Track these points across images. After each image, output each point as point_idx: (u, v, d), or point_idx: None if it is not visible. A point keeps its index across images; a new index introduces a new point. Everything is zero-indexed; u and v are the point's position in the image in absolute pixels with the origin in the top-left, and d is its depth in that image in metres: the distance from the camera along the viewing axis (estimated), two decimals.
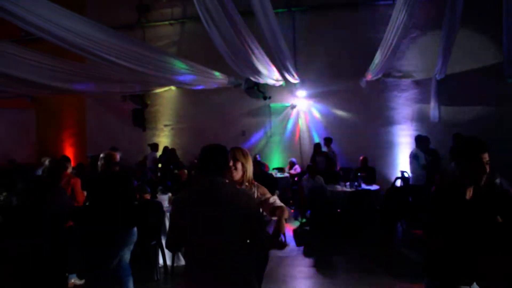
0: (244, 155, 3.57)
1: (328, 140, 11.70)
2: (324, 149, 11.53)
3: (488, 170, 2.79)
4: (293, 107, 12.67)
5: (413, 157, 8.99)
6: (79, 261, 5.96)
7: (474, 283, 2.84)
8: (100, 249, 5.06)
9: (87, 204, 5.72)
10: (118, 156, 5.18)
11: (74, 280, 5.95)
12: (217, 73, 11.11)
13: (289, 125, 12.77)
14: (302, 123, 12.64)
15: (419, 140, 9.22)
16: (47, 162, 5.75)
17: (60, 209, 5.27)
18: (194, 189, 2.87)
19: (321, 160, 11.13)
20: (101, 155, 5.10)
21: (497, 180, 5.86)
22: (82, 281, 6.00)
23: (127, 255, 5.02)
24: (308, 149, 12.40)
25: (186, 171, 9.46)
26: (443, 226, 2.79)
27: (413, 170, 9.08)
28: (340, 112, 12.16)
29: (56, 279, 5.53)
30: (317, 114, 12.47)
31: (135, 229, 5.08)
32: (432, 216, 2.87)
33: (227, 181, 2.92)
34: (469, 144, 2.87)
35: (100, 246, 5.04)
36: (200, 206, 2.73)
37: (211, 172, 2.83)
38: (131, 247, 5.06)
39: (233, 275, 2.72)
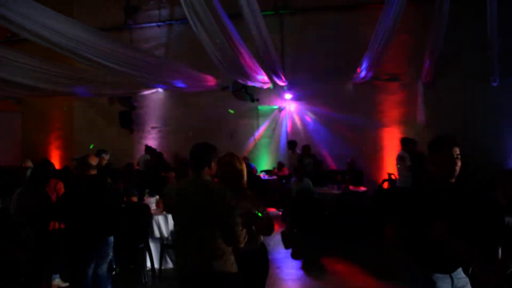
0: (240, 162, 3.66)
1: (292, 144, 11.63)
2: (289, 153, 11.53)
3: (459, 164, 2.84)
4: (281, 109, 12.68)
5: (400, 159, 9.03)
6: (62, 263, 5.88)
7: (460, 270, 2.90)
8: (75, 254, 4.93)
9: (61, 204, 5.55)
10: (95, 159, 5.06)
11: (57, 281, 5.88)
12: (205, 75, 11.11)
13: (277, 128, 12.77)
14: (290, 125, 12.65)
15: (405, 142, 9.26)
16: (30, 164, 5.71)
17: (42, 212, 5.19)
18: (180, 181, 3.57)
19: (309, 162, 11.15)
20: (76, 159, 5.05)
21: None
22: (66, 284, 5.94)
23: (103, 265, 4.86)
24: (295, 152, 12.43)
25: (174, 173, 9.42)
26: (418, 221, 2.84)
27: (399, 172, 9.11)
28: (328, 115, 12.19)
29: (39, 280, 5.45)
30: (305, 117, 12.49)
31: (111, 239, 4.90)
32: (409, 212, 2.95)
33: (207, 176, 3.33)
34: (439, 139, 2.93)
35: (75, 251, 4.91)
36: (180, 195, 3.32)
37: (194, 167, 3.31)
38: (107, 256, 4.89)
39: (203, 256, 3.21)
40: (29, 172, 7.91)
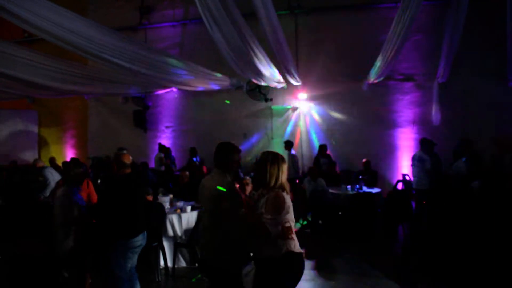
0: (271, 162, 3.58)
1: (287, 144, 11.44)
2: (285, 153, 11.36)
3: None
4: (294, 109, 12.65)
5: (418, 160, 8.91)
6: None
7: None
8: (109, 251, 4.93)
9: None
10: (129, 158, 5.05)
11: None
12: (219, 75, 11.12)
13: (290, 127, 12.74)
14: (303, 125, 12.62)
15: (425, 143, 9.15)
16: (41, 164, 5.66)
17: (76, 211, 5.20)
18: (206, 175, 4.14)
19: (325, 162, 11.11)
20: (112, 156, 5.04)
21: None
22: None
23: (135, 261, 4.92)
24: (309, 151, 12.40)
25: (187, 173, 9.45)
26: None
27: (416, 173, 8.98)
28: (341, 115, 12.14)
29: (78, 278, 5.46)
30: (318, 117, 12.45)
31: (144, 233, 4.95)
32: None
33: (227, 174, 3.70)
34: None
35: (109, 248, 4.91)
36: (201, 188, 3.87)
37: (215, 164, 3.79)
38: (137, 250, 4.91)
39: (211, 239, 3.68)
40: (47, 172, 7.99)
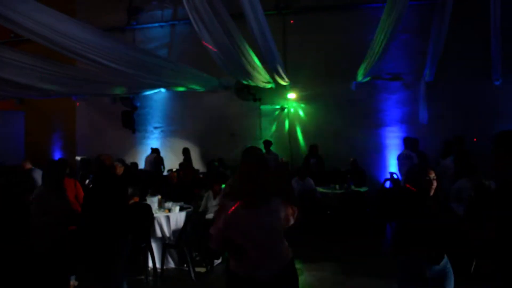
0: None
1: (266, 144, 11.55)
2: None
3: None
4: (283, 109, 12.68)
5: (406, 158, 8.99)
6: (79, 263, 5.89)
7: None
8: (98, 253, 4.94)
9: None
10: (110, 159, 5.08)
11: (73, 282, 5.91)
12: (206, 75, 11.11)
13: (279, 127, 12.78)
14: (292, 125, 12.65)
15: (408, 141, 9.24)
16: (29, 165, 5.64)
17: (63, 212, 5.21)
18: None
19: (314, 162, 11.15)
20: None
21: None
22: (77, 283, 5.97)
23: (121, 263, 4.94)
24: (297, 151, 12.43)
25: (175, 174, 9.45)
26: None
27: (404, 172, 9.05)
28: (329, 114, 12.19)
29: (58, 280, 5.45)
30: (306, 116, 12.49)
31: (129, 239, 4.99)
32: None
33: None
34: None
35: (98, 250, 4.92)
36: None
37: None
38: (125, 254, 4.95)
39: None
40: (35, 173, 7.96)
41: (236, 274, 3.17)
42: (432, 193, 3.43)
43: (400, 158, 9.19)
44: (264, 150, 11.18)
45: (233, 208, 3.09)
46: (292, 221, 3.20)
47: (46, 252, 5.02)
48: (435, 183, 3.44)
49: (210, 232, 3.23)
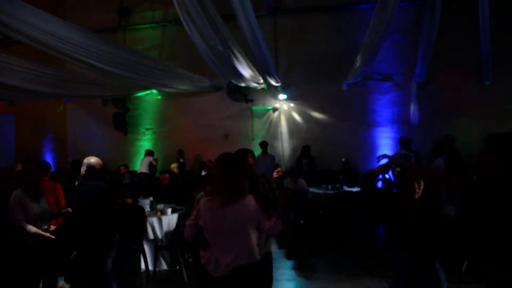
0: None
1: (263, 145, 11.51)
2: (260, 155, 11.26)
3: None
4: (275, 110, 12.69)
5: (404, 157, 9.03)
6: (67, 265, 5.87)
7: None
8: (83, 253, 4.95)
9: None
10: (99, 162, 5.07)
11: (62, 283, 5.88)
12: (198, 76, 11.10)
13: (271, 128, 12.78)
14: (284, 125, 12.67)
15: (404, 141, 9.31)
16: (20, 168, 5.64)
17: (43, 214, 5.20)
18: None
19: (306, 163, 11.17)
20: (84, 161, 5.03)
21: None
22: (69, 285, 5.94)
23: (109, 261, 4.93)
24: (289, 152, 12.45)
25: (167, 175, 9.42)
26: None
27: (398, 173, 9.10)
28: (321, 115, 12.22)
29: (45, 282, 5.43)
30: (299, 117, 12.50)
31: (117, 235, 4.99)
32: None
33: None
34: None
35: (83, 251, 4.94)
36: None
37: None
38: (113, 253, 4.96)
39: None
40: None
41: (203, 266, 3.33)
42: (416, 197, 3.44)
43: (396, 157, 9.21)
44: (261, 150, 11.27)
45: (204, 201, 3.32)
46: (267, 228, 3.21)
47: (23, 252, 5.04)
48: (418, 191, 3.44)
49: (185, 223, 3.44)
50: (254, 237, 3.23)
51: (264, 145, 11.48)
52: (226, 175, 3.24)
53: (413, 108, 11.06)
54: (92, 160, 5.02)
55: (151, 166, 12.42)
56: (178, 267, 6.65)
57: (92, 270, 4.85)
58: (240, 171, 3.30)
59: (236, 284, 3.18)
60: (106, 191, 4.94)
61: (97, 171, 4.96)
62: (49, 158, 14.65)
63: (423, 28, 9.34)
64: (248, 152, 3.80)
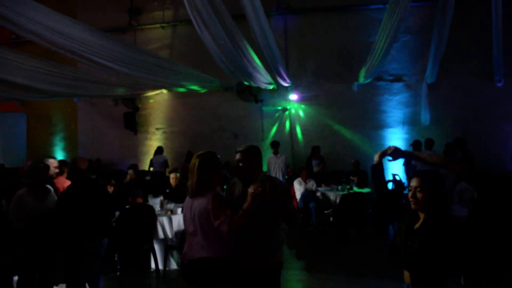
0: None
1: (273, 145, 11.36)
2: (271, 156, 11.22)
3: None
4: (284, 110, 12.67)
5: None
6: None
7: None
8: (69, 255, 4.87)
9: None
10: (85, 162, 5.03)
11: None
12: (208, 76, 11.10)
13: (281, 128, 12.76)
14: (294, 126, 12.64)
15: (418, 144, 9.34)
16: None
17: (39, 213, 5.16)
18: None
19: (316, 163, 11.13)
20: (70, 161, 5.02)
21: None
22: None
23: (94, 266, 4.90)
24: (299, 152, 12.41)
25: (176, 175, 9.41)
26: None
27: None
28: (332, 116, 12.17)
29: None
30: (308, 117, 12.47)
31: (105, 240, 4.92)
32: None
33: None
34: None
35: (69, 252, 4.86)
36: None
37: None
38: (99, 258, 4.91)
39: None
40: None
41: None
42: (413, 207, 2.96)
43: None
44: (272, 151, 11.19)
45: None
46: (215, 227, 3.23)
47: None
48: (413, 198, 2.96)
49: None
50: (213, 232, 3.26)
51: (275, 145, 11.34)
52: (197, 169, 3.38)
53: (424, 109, 10.98)
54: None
55: (166, 164, 12.42)
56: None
57: (72, 274, 4.80)
58: (210, 167, 3.41)
59: (192, 274, 3.37)
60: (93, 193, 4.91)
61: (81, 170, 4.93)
62: (60, 157, 14.73)
63: (434, 29, 9.27)
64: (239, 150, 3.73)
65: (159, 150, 12.82)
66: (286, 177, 11.09)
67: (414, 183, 2.88)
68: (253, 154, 3.63)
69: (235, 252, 3.34)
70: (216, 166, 3.49)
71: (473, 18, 10.27)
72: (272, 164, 10.98)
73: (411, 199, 2.88)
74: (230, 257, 3.31)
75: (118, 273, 6.27)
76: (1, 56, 7.99)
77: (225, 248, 3.29)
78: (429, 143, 9.88)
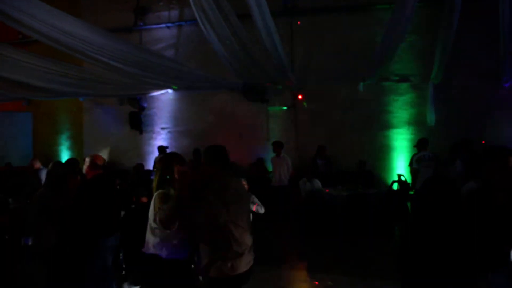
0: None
1: (275, 145, 10.93)
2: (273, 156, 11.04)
3: None
4: (290, 110, 12.65)
5: (432, 159, 9.02)
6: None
7: None
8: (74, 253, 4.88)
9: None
10: (101, 159, 5.06)
11: None
12: (213, 76, 11.10)
13: (287, 128, 12.75)
14: (299, 126, 12.62)
15: (427, 143, 9.35)
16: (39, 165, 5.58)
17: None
18: None
19: (322, 163, 11.11)
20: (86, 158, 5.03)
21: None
22: None
23: (108, 260, 4.91)
24: (304, 152, 12.39)
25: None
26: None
27: (425, 174, 8.99)
28: (337, 116, 12.14)
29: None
30: (314, 117, 12.44)
31: (111, 239, 4.92)
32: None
33: None
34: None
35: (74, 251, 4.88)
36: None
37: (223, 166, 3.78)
38: (106, 256, 4.91)
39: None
40: (43, 173, 8.00)
41: None
42: None
43: (424, 159, 9.12)
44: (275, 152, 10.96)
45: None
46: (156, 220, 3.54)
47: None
48: None
49: None
50: (149, 228, 3.77)
51: (276, 145, 10.91)
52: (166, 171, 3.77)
53: (429, 110, 10.94)
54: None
55: None
56: (192, 266, 6.64)
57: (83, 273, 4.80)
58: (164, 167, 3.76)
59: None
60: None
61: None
62: (65, 157, 14.79)
63: (440, 29, 9.23)
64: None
65: (161, 150, 12.85)
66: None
67: None
68: (205, 155, 3.83)
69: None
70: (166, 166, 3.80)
71: (480, 17, 10.21)
72: (275, 165, 10.82)
73: None
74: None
75: (123, 273, 6.28)
76: (8, 56, 8.05)
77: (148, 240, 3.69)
78: (424, 143, 9.69)
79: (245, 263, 3.48)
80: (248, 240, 3.59)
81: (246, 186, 6.66)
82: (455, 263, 2.63)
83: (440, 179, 2.89)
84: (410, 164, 9.49)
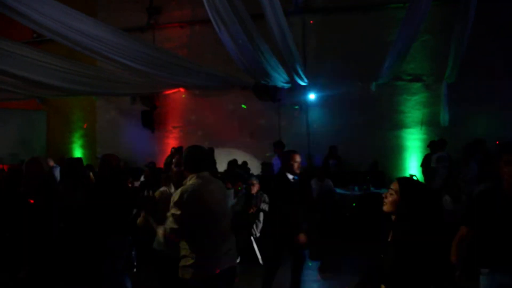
0: None
1: (277, 145, 10.46)
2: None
3: None
4: (302, 109, 12.62)
5: (448, 160, 8.98)
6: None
7: None
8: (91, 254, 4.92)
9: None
10: (116, 159, 5.07)
11: None
12: (225, 75, 11.11)
13: (298, 128, 12.72)
14: (311, 125, 12.59)
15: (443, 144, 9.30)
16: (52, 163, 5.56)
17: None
18: None
19: (333, 163, 11.06)
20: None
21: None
22: None
23: (116, 264, 4.90)
24: (315, 152, 12.35)
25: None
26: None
27: (442, 175, 8.98)
28: (349, 115, 12.08)
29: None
30: (326, 117, 12.40)
31: (128, 238, 4.97)
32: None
33: None
34: None
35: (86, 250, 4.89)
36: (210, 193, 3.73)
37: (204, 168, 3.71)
38: (120, 255, 4.92)
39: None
40: (57, 171, 8.07)
41: None
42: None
43: (443, 159, 9.08)
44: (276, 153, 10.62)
45: None
46: None
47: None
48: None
49: None
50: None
51: (277, 146, 10.41)
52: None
53: (443, 110, 10.86)
54: None
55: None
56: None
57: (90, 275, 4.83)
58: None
59: None
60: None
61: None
62: (78, 155, 14.91)
63: (455, 28, 9.15)
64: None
65: (177, 151, 12.84)
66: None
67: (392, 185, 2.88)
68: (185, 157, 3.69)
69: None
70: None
71: (495, 17, 10.11)
72: (276, 167, 10.62)
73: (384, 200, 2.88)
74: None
75: (135, 270, 6.31)
76: (23, 55, 8.12)
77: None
78: (442, 144, 9.72)
79: (220, 266, 3.42)
80: (224, 244, 3.53)
81: (257, 186, 6.70)
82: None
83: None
84: (422, 165, 9.42)
